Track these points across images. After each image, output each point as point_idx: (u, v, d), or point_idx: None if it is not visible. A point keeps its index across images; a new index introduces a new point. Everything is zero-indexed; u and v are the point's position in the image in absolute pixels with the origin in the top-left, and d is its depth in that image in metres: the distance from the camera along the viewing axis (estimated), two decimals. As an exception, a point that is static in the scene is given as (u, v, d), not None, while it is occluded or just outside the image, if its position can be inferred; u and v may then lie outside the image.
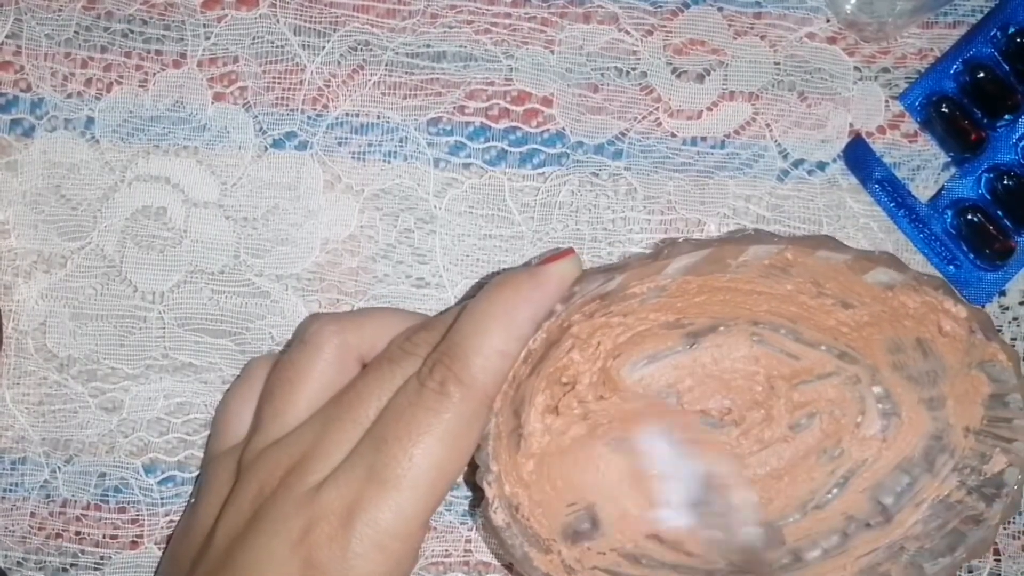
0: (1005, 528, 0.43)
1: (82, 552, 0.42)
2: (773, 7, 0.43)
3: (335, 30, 0.42)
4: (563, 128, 0.43)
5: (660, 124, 0.43)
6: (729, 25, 0.43)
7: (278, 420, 0.36)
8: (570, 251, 0.35)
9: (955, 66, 0.43)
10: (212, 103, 0.42)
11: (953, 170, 0.43)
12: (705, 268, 0.37)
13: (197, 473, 0.42)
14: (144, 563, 0.42)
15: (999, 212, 0.43)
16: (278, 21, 0.42)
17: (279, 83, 0.42)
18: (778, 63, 0.43)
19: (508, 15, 0.43)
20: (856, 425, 0.41)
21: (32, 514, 0.42)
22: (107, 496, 0.42)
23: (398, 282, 0.42)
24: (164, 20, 0.42)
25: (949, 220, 0.43)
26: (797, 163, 0.43)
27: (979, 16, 0.43)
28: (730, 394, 0.41)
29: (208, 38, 0.42)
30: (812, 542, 0.40)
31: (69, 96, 0.42)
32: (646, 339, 0.40)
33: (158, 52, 0.42)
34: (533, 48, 0.43)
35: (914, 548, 0.38)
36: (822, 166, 0.43)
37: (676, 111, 0.43)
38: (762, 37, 0.43)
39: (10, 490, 0.42)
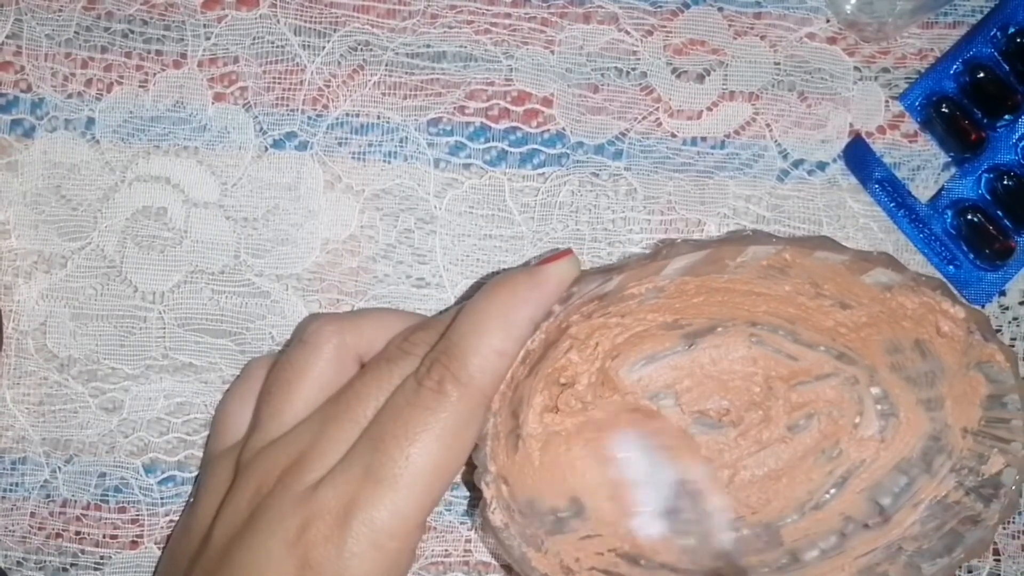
0: (1004, 528, 0.43)
1: (82, 552, 0.42)
2: (773, 7, 0.44)
3: (335, 30, 0.43)
4: (563, 128, 0.43)
5: (660, 124, 0.43)
6: (729, 25, 0.43)
7: (276, 419, 0.36)
8: (568, 252, 0.36)
9: (955, 66, 0.43)
10: (212, 103, 0.42)
11: (953, 170, 0.44)
12: (703, 269, 0.37)
13: (197, 473, 0.42)
14: (144, 563, 0.42)
15: (999, 212, 0.43)
16: (278, 21, 0.43)
17: (279, 83, 0.43)
18: (778, 63, 0.43)
19: (508, 15, 0.43)
20: (854, 426, 0.41)
21: (32, 514, 0.42)
22: (107, 496, 0.42)
23: (398, 282, 0.43)
24: (164, 20, 0.43)
25: (949, 220, 0.43)
26: (797, 163, 0.43)
27: (979, 16, 0.44)
28: (728, 395, 0.41)
29: (208, 38, 0.43)
30: (810, 543, 0.40)
31: (69, 96, 0.42)
32: (644, 340, 0.40)
33: (158, 52, 0.43)
34: (533, 48, 0.43)
35: (912, 548, 0.39)
36: (822, 166, 0.43)
37: (676, 111, 0.43)
38: (762, 37, 0.43)
39: (10, 490, 0.42)
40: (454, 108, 0.43)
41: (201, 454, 0.42)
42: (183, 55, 0.43)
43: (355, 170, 0.43)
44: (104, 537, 0.42)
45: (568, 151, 0.43)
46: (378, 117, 0.43)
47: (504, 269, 0.43)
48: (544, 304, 0.35)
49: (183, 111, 0.42)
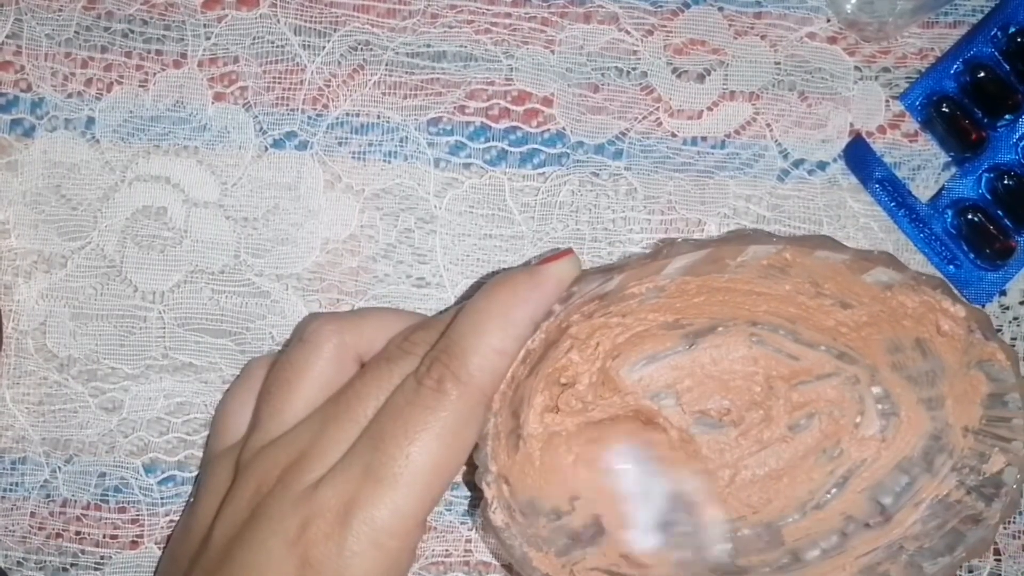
0: (1005, 528, 0.43)
1: (82, 552, 0.42)
2: (773, 7, 0.44)
3: (335, 30, 0.43)
4: (563, 128, 0.43)
5: (660, 124, 0.43)
6: (729, 25, 0.43)
7: (276, 419, 0.36)
8: (569, 251, 0.36)
9: (955, 66, 0.43)
10: (212, 103, 0.43)
11: (953, 170, 0.44)
12: (704, 268, 0.37)
13: (197, 473, 0.42)
14: (144, 563, 0.42)
15: (999, 212, 0.43)
16: (278, 21, 0.43)
17: (279, 83, 0.43)
18: (778, 63, 0.44)
19: (508, 15, 0.43)
20: (855, 425, 0.41)
21: (32, 514, 0.42)
22: (107, 496, 0.42)
23: (398, 282, 0.43)
24: (164, 20, 0.43)
25: (949, 220, 0.43)
26: (797, 163, 0.43)
27: (979, 16, 0.44)
28: (729, 395, 0.42)
29: (208, 38, 0.43)
30: (811, 542, 0.40)
31: (69, 96, 0.42)
32: (645, 340, 0.40)
33: (158, 52, 0.43)
34: (533, 48, 0.43)
35: (913, 548, 0.39)
36: (822, 166, 0.43)
37: (676, 111, 0.43)
38: (762, 37, 0.44)
39: (10, 490, 0.42)
40: (454, 108, 0.43)
41: (201, 454, 0.42)
42: (183, 55, 0.43)
43: (355, 170, 0.43)
44: (104, 537, 0.42)
45: (568, 151, 0.43)
46: (378, 117, 0.43)
47: (504, 269, 0.43)
48: (544, 304, 0.35)
49: (183, 111, 0.43)
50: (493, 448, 0.36)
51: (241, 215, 0.42)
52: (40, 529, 0.42)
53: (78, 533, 0.42)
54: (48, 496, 0.42)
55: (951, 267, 0.43)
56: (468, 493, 0.43)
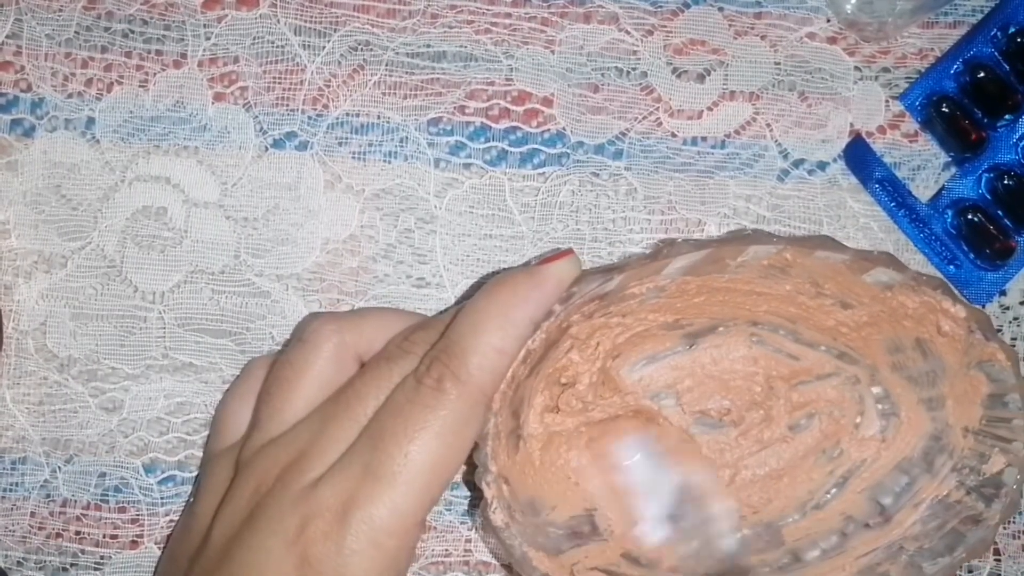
0: (1005, 528, 0.43)
1: (82, 552, 0.42)
2: (773, 7, 0.44)
3: (335, 30, 0.43)
4: (563, 128, 0.43)
5: (660, 124, 0.43)
6: (729, 25, 0.44)
7: (276, 418, 0.36)
8: (569, 251, 0.36)
9: (955, 66, 0.43)
10: (212, 103, 0.43)
11: (953, 170, 0.44)
12: (704, 268, 0.37)
13: (197, 473, 0.42)
14: (144, 563, 0.42)
15: (999, 212, 0.43)
16: (278, 21, 0.43)
17: (279, 83, 0.43)
18: (778, 63, 0.44)
19: (508, 15, 0.43)
20: (855, 425, 0.41)
21: (32, 514, 0.42)
22: (107, 496, 0.42)
23: (398, 282, 0.43)
24: (164, 20, 0.43)
25: (949, 220, 0.43)
26: (797, 163, 0.43)
27: (979, 16, 0.44)
28: (729, 395, 0.42)
29: (208, 38, 0.43)
30: (811, 542, 0.40)
31: (69, 96, 0.42)
32: (645, 340, 0.40)
33: (158, 52, 0.43)
34: (533, 48, 0.43)
35: (913, 548, 0.39)
36: (822, 166, 0.44)
37: (676, 111, 0.43)
38: (762, 37, 0.44)
39: (10, 490, 0.42)
40: (454, 108, 0.43)
41: (201, 454, 0.42)
42: (183, 55, 0.43)
43: (355, 170, 0.43)
44: (104, 537, 0.42)
45: (568, 151, 0.43)
46: (378, 117, 0.43)
47: (504, 269, 0.43)
48: (544, 303, 0.35)
49: (183, 111, 0.43)
50: (493, 448, 0.36)
51: (241, 215, 0.42)
52: (40, 529, 0.42)
53: (78, 533, 0.42)
54: (48, 496, 0.42)
55: (951, 267, 0.43)
56: (468, 493, 0.43)
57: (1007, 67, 0.43)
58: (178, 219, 0.42)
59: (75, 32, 0.43)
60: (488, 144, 0.43)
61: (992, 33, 0.43)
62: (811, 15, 0.44)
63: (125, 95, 0.43)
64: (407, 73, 0.43)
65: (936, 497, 0.39)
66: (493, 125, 0.43)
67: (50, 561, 0.42)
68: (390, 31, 0.43)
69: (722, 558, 0.40)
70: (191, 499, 0.40)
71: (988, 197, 0.43)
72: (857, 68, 0.44)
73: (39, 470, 0.42)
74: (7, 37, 0.43)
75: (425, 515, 0.34)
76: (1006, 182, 0.43)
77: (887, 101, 0.44)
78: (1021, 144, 0.43)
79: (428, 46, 0.43)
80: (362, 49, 0.43)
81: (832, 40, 0.44)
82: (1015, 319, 0.44)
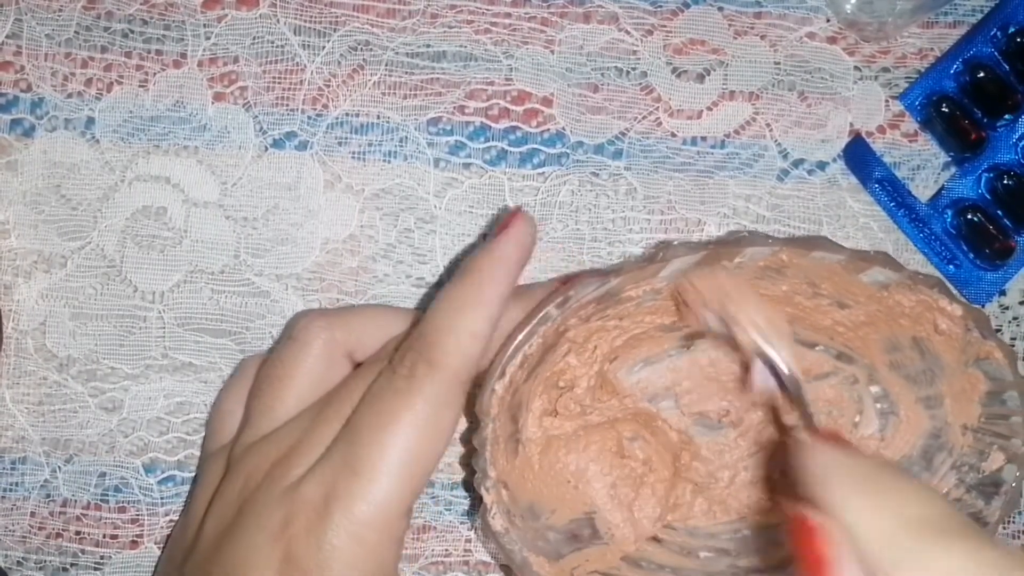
0: (1005, 528, 0.44)
1: (82, 552, 0.42)
2: (773, 7, 0.44)
3: (335, 30, 0.43)
4: (563, 128, 0.44)
5: (660, 124, 0.44)
6: (729, 25, 0.44)
7: (267, 416, 0.37)
8: (517, 211, 0.35)
9: (955, 66, 0.44)
10: (212, 103, 0.43)
11: (953, 170, 0.44)
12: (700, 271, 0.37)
13: (195, 473, 0.43)
14: (144, 563, 0.43)
15: (999, 212, 0.44)
16: (278, 21, 0.43)
17: (279, 83, 0.43)
18: (778, 63, 0.44)
19: (508, 15, 0.44)
20: (854, 425, 0.42)
21: (32, 513, 0.42)
22: (107, 496, 0.43)
23: (398, 282, 0.43)
24: (164, 20, 0.43)
25: (949, 220, 0.44)
26: (797, 163, 0.44)
27: (979, 16, 0.44)
28: (728, 396, 0.42)
29: (208, 38, 0.43)
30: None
31: (69, 96, 0.43)
32: (643, 342, 0.41)
33: (158, 52, 0.43)
34: (533, 48, 0.44)
35: (912, 546, 0.39)
36: (822, 166, 0.44)
37: (676, 111, 0.44)
38: (762, 37, 0.44)
39: (10, 490, 0.42)
40: (454, 108, 0.44)
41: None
42: (183, 55, 0.43)
43: (355, 170, 0.43)
44: (104, 537, 0.43)
45: (568, 151, 0.44)
46: (378, 117, 0.43)
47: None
48: (510, 276, 0.35)
49: (183, 111, 0.43)
50: (492, 453, 0.36)
51: (241, 215, 0.43)
52: (40, 529, 0.42)
53: (78, 533, 0.42)
54: (48, 496, 0.42)
55: (951, 267, 0.44)
56: (468, 494, 0.43)
57: (1007, 67, 0.43)
58: (178, 219, 0.43)
59: (75, 32, 0.43)
60: (488, 144, 0.44)
61: (992, 33, 0.44)
62: (811, 15, 0.44)
63: (125, 95, 0.43)
64: (407, 73, 0.43)
65: (935, 495, 0.40)
66: (493, 125, 0.44)
67: (50, 561, 0.42)
68: (390, 31, 0.43)
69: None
70: (189, 499, 0.40)
71: (988, 197, 0.44)
72: (857, 68, 0.44)
73: (39, 470, 0.42)
74: (7, 37, 0.43)
75: (408, 506, 0.34)
76: (1006, 182, 0.44)
77: (887, 101, 0.44)
78: (1021, 144, 0.43)
79: (428, 46, 0.43)
80: (362, 49, 0.43)
81: (832, 40, 0.44)
82: (1015, 319, 0.44)
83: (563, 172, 0.44)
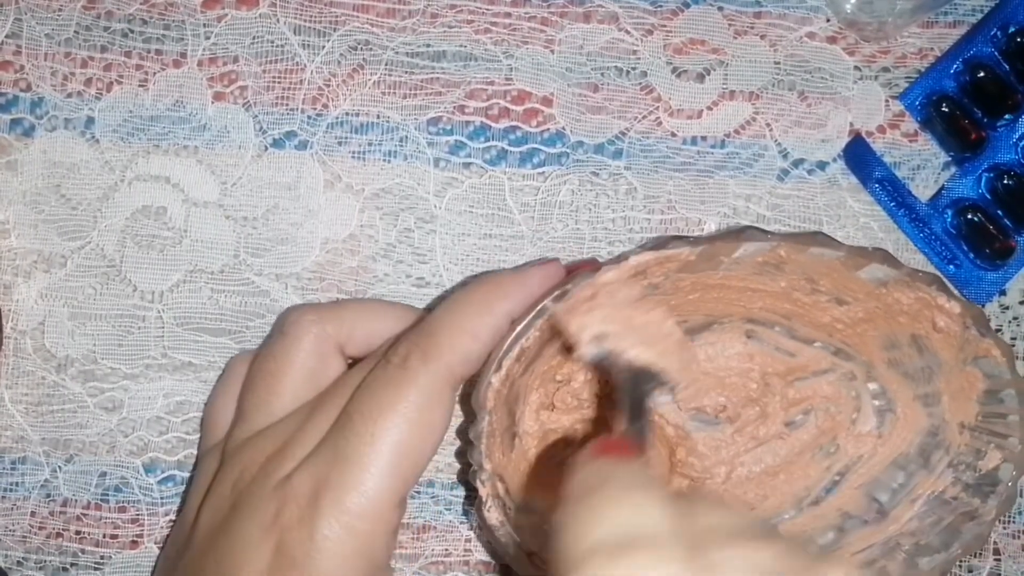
0: (1004, 528, 0.44)
1: (82, 551, 0.43)
2: (773, 7, 0.45)
3: (335, 29, 0.44)
4: (563, 128, 0.44)
5: (660, 124, 0.45)
6: (729, 25, 0.45)
7: (262, 410, 0.38)
8: (556, 260, 0.37)
9: (955, 65, 0.45)
10: (212, 103, 0.44)
11: (953, 169, 0.45)
12: (698, 265, 0.38)
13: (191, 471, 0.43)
14: (144, 562, 0.43)
15: (999, 212, 0.44)
16: (278, 21, 0.44)
17: (279, 83, 0.44)
18: (778, 63, 0.45)
19: (508, 15, 0.44)
20: (852, 422, 0.43)
21: (32, 513, 0.43)
22: (107, 495, 0.43)
23: (398, 281, 0.44)
24: (164, 20, 0.44)
25: (949, 219, 0.44)
26: (797, 162, 0.45)
27: (979, 16, 0.45)
28: (725, 391, 0.43)
29: (208, 38, 0.44)
30: (808, 539, 0.42)
31: (69, 96, 0.44)
32: None
33: (158, 52, 0.44)
34: (533, 48, 0.44)
35: (909, 544, 0.40)
36: (822, 165, 0.45)
37: (676, 110, 0.45)
38: (762, 37, 0.45)
39: (10, 489, 0.43)
40: (454, 107, 0.44)
41: (201, 453, 0.43)
42: (183, 54, 0.44)
43: (355, 169, 0.44)
44: (104, 537, 0.43)
45: (568, 150, 0.44)
46: (378, 116, 0.44)
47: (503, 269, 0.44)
48: (523, 301, 0.36)
49: (183, 110, 0.44)
50: (488, 446, 0.37)
51: (241, 215, 0.44)
52: (40, 529, 0.43)
53: (78, 533, 0.43)
54: (48, 496, 0.43)
55: (951, 267, 0.44)
56: (464, 487, 0.44)
57: (1007, 67, 0.44)
58: (178, 218, 0.44)
59: (75, 32, 0.44)
60: (488, 144, 0.44)
61: (992, 33, 0.44)
62: (811, 15, 0.45)
63: (125, 95, 0.44)
64: (407, 73, 0.44)
65: (932, 493, 0.40)
66: (493, 124, 0.44)
67: (50, 561, 0.43)
68: (390, 31, 0.44)
69: None
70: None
71: (988, 197, 0.44)
72: (857, 68, 0.45)
73: (39, 470, 0.43)
74: (7, 37, 0.44)
75: (399, 497, 0.35)
76: (1006, 182, 0.44)
77: (887, 101, 0.45)
78: (1021, 144, 0.44)
79: (428, 46, 0.44)
80: (362, 48, 0.44)
81: (832, 40, 0.45)
82: (1015, 319, 0.45)
83: (563, 172, 0.44)
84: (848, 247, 0.37)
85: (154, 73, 0.44)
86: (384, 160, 0.44)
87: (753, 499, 0.43)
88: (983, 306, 0.45)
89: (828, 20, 0.45)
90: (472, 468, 0.37)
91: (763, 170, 0.45)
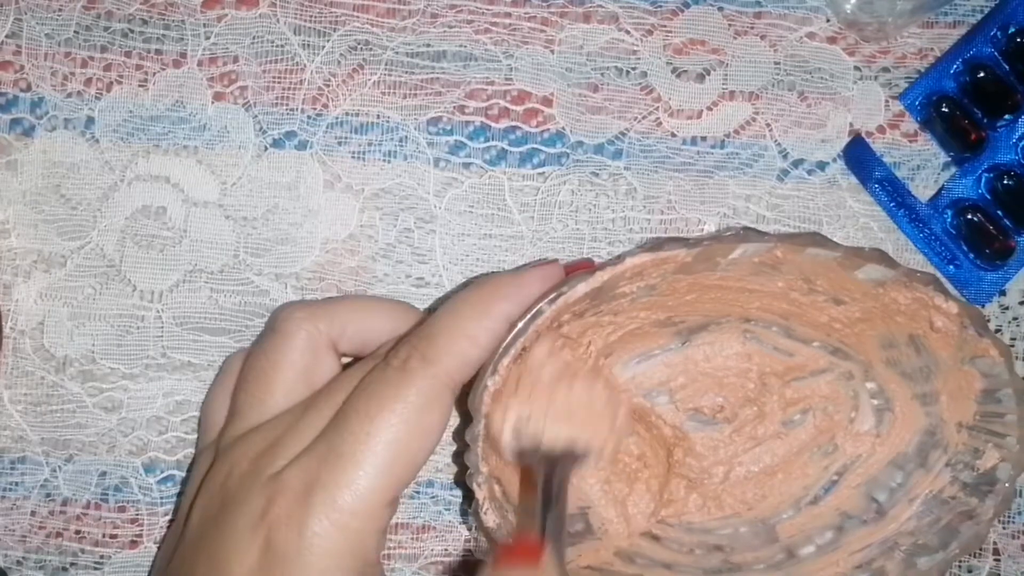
0: (1004, 528, 0.45)
1: (82, 551, 0.44)
2: (773, 7, 0.45)
3: (335, 29, 0.44)
4: (563, 128, 0.45)
5: (660, 124, 0.45)
6: (729, 25, 0.45)
7: (256, 408, 0.38)
8: (555, 262, 0.38)
9: (955, 66, 0.45)
10: (212, 103, 0.44)
11: (953, 170, 0.45)
12: (695, 267, 0.38)
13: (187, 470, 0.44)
14: (144, 562, 0.44)
15: (999, 212, 0.45)
16: (278, 21, 0.45)
17: (279, 83, 0.44)
18: (778, 63, 0.45)
19: (508, 15, 0.45)
20: (849, 421, 0.43)
21: (32, 513, 0.44)
22: (107, 495, 0.44)
23: (398, 281, 0.44)
24: (164, 20, 0.44)
25: (949, 220, 0.45)
26: (797, 163, 0.45)
27: (979, 16, 0.46)
28: (723, 391, 0.43)
29: (208, 38, 0.44)
30: (806, 538, 0.42)
31: (69, 96, 0.44)
32: (637, 338, 0.42)
33: (158, 52, 0.44)
34: (533, 48, 0.45)
35: (908, 544, 0.40)
36: (822, 166, 0.45)
37: (676, 111, 0.45)
38: (762, 37, 0.45)
39: (10, 489, 0.44)
40: (454, 107, 0.45)
41: (200, 453, 0.44)
42: (183, 54, 0.44)
43: (355, 169, 0.44)
44: (104, 536, 0.44)
45: (568, 150, 0.45)
46: (378, 116, 0.45)
47: (503, 270, 0.44)
48: (522, 303, 0.36)
49: (183, 110, 0.44)
50: (484, 449, 0.37)
51: (241, 215, 0.44)
52: (40, 528, 0.44)
53: (78, 532, 0.44)
54: (48, 495, 0.44)
55: (951, 267, 0.45)
56: (461, 489, 0.44)
57: (1007, 67, 0.45)
58: (177, 218, 0.44)
59: (75, 32, 0.44)
60: (488, 144, 0.45)
61: (992, 33, 0.45)
62: (811, 15, 0.46)
63: (125, 94, 0.44)
64: (407, 73, 0.45)
65: (930, 492, 0.41)
66: (493, 125, 0.45)
67: (50, 560, 0.44)
68: (390, 31, 0.45)
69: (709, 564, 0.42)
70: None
71: (988, 197, 0.45)
72: (857, 68, 0.46)
73: (38, 469, 0.44)
74: (7, 36, 0.44)
75: (392, 497, 0.35)
76: (1006, 182, 0.45)
77: (887, 101, 0.46)
78: (1021, 144, 0.45)
79: (428, 46, 0.45)
80: (362, 49, 0.45)
81: (832, 40, 0.46)
82: (1014, 319, 0.45)
83: (563, 172, 0.45)
84: (845, 247, 0.38)
85: (154, 73, 0.44)
86: (384, 160, 0.44)
87: (751, 499, 0.43)
88: (983, 306, 0.45)
89: (828, 20, 0.46)
90: (469, 471, 0.37)
91: (763, 170, 0.45)
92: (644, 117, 0.45)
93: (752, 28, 0.45)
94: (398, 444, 0.34)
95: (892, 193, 0.45)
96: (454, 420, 0.44)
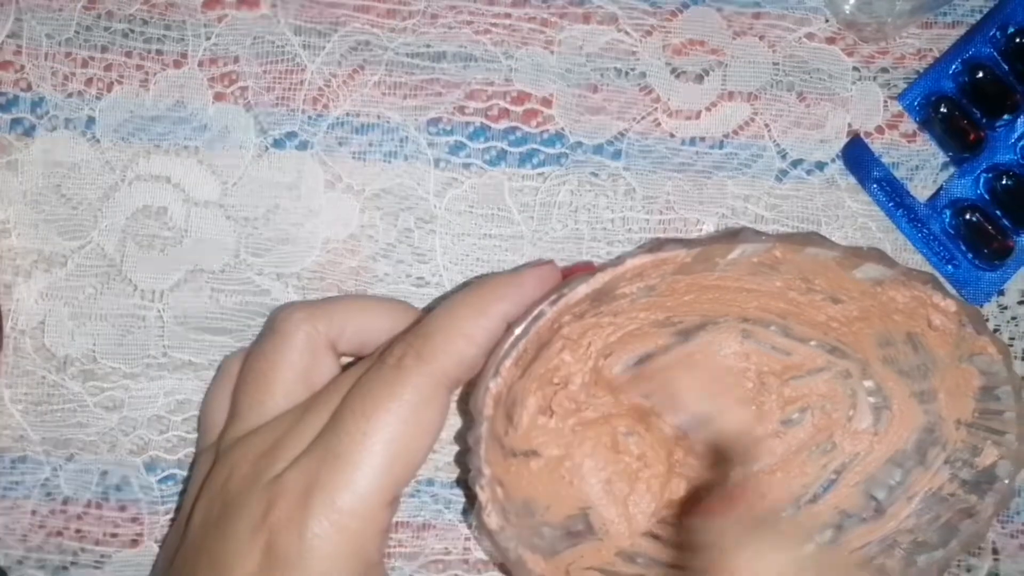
0: (1003, 528, 0.45)
1: (82, 550, 0.44)
2: (772, 7, 0.46)
3: (336, 30, 0.45)
4: (562, 128, 0.45)
5: (659, 124, 0.46)
6: (728, 25, 0.46)
7: (256, 409, 0.38)
8: (551, 262, 0.38)
9: (954, 66, 0.46)
10: (213, 103, 0.45)
11: (952, 170, 0.46)
12: (693, 267, 0.39)
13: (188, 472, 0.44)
14: (144, 561, 0.44)
15: (998, 212, 0.45)
16: (279, 21, 0.45)
17: (280, 83, 0.45)
18: (777, 63, 0.46)
19: (508, 15, 0.45)
20: (848, 419, 0.43)
21: (33, 512, 0.44)
22: (107, 494, 0.44)
23: (398, 281, 0.45)
24: (165, 20, 0.45)
25: (948, 220, 0.45)
26: (796, 163, 0.46)
27: (978, 16, 0.46)
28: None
29: (209, 38, 0.45)
30: (805, 537, 0.42)
31: (70, 95, 0.45)
32: (637, 338, 0.42)
33: (159, 52, 0.45)
34: (533, 48, 0.45)
35: (907, 542, 0.41)
36: (821, 166, 0.46)
37: (675, 111, 0.46)
38: (761, 37, 0.46)
39: (10, 488, 0.44)
40: (454, 108, 0.45)
41: (201, 453, 0.44)
42: (183, 55, 0.45)
43: (355, 170, 0.45)
44: (105, 535, 0.44)
45: (567, 151, 0.45)
46: (378, 117, 0.45)
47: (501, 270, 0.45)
48: (519, 303, 0.37)
49: (183, 111, 0.45)
50: (486, 451, 0.37)
51: (241, 215, 0.45)
52: (40, 527, 0.44)
53: (78, 531, 0.44)
54: (49, 495, 0.44)
55: (949, 267, 0.45)
56: (463, 491, 0.45)
57: (1006, 67, 0.45)
58: (178, 219, 0.44)
59: (75, 31, 0.45)
60: (487, 144, 0.45)
61: (991, 33, 0.45)
62: (810, 15, 0.46)
63: (125, 95, 0.45)
64: (407, 73, 0.45)
65: (929, 490, 0.41)
66: (492, 125, 0.45)
67: (50, 559, 0.44)
68: (390, 31, 0.45)
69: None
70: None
71: (986, 197, 0.45)
72: (856, 68, 0.46)
73: (39, 469, 0.44)
74: (7, 36, 0.45)
75: (391, 497, 0.35)
76: (1004, 182, 0.45)
77: (885, 101, 0.46)
78: (1019, 144, 0.45)
79: (428, 46, 0.45)
80: (362, 49, 0.45)
81: (831, 40, 0.46)
82: (1013, 318, 0.46)
83: (562, 172, 0.45)
84: (843, 247, 0.38)
85: (155, 73, 0.45)
86: (384, 160, 0.45)
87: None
88: (981, 306, 0.45)
89: (827, 21, 0.46)
90: (471, 474, 0.37)
91: (762, 170, 0.46)
92: (643, 117, 0.46)
93: (751, 29, 0.46)
94: (395, 443, 0.35)
95: (891, 193, 0.45)
96: (455, 421, 0.44)
